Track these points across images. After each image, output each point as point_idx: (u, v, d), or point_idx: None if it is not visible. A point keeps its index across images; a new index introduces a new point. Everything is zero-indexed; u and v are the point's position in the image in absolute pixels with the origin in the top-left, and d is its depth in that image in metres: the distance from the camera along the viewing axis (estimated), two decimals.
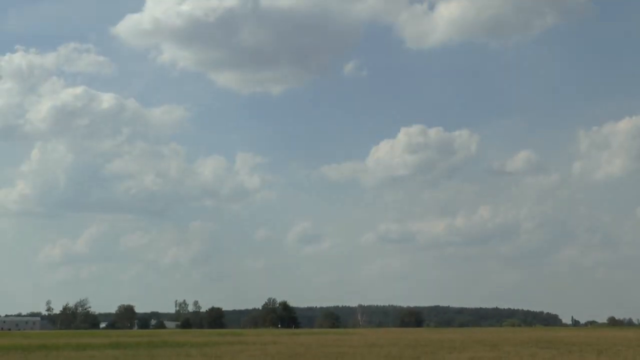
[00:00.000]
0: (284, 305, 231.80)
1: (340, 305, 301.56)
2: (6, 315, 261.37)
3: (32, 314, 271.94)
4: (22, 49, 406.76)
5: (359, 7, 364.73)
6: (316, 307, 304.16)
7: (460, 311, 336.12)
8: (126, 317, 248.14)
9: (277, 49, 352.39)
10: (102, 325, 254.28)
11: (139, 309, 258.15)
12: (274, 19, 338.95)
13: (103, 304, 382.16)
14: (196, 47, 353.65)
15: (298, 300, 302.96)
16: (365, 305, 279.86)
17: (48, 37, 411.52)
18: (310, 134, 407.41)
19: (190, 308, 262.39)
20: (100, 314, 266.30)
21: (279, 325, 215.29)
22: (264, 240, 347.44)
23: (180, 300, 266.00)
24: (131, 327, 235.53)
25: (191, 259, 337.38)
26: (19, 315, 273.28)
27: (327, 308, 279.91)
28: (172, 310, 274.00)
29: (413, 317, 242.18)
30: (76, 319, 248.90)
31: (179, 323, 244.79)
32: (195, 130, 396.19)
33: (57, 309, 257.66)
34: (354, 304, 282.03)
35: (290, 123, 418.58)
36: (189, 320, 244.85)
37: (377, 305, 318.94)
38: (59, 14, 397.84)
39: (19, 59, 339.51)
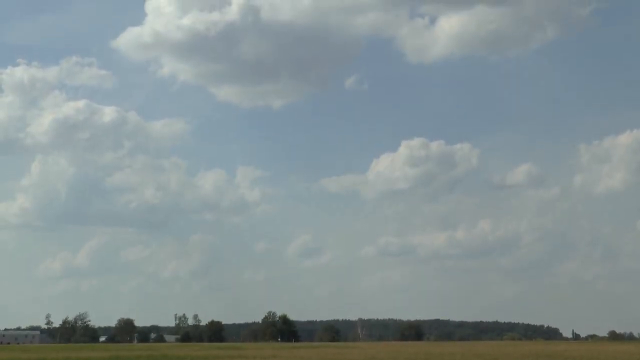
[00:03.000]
0: (284, 318, 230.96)
1: (340, 318, 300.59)
2: (5, 329, 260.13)
3: (32, 328, 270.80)
4: (24, 62, 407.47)
5: (360, 21, 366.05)
6: (316, 320, 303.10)
7: (461, 324, 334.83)
8: (126, 330, 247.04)
9: (278, 62, 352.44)
10: (102, 338, 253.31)
11: (139, 322, 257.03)
12: (274, 32, 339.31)
13: (103, 317, 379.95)
14: (196, 60, 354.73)
15: (298, 314, 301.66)
16: (366, 318, 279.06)
17: (50, 50, 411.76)
18: (311, 146, 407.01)
19: (190, 321, 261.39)
20: (99, 328, 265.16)
21: (279, 339, 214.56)
22: (264, 254, 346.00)
23: (180, 313, 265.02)
24: (131, 341, 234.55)
25: (191, 272, 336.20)
26: (19, 329, 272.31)
27: (327, 321, 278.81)
28: (171, 323, 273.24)
29: (413, 331, 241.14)
30: (76, 332, 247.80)
31: (178, 337, 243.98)
32: (195, 144, 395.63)
33: (56, 323, 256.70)
34: (354, 317, 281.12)
35: (291, 136, 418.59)
36: (188, 333, 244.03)
37: (377, 319, 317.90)
38: (60, 27, 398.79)
39: (20, 72, 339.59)
